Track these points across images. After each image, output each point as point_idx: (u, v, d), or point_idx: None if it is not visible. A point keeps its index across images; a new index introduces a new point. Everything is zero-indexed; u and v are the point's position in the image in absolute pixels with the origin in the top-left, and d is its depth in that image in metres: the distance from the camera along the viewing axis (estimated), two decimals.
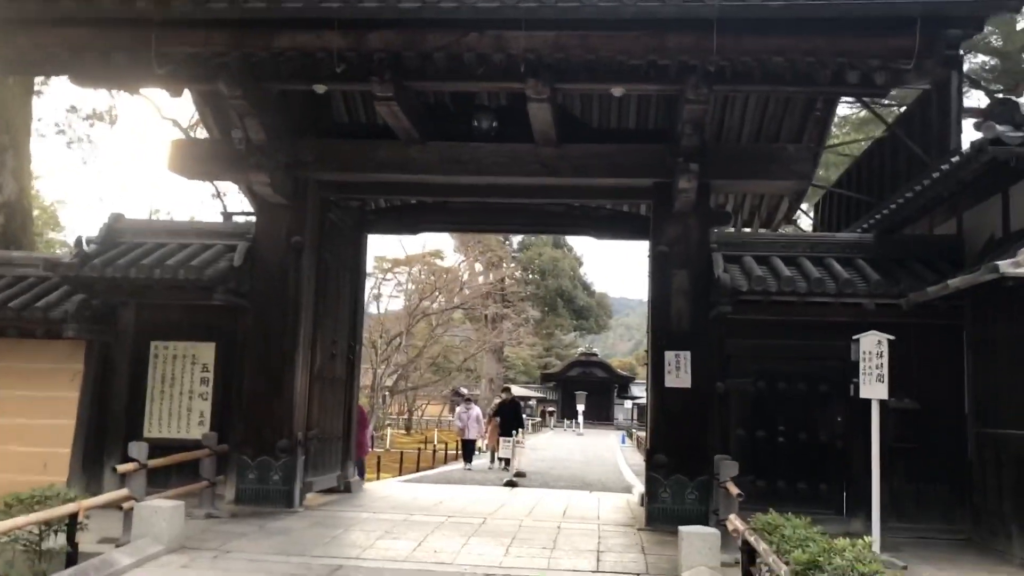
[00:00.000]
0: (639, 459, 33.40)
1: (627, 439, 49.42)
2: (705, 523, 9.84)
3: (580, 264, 71.86)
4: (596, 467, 25.18)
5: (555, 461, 26.19)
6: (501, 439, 19.16)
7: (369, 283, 43.01)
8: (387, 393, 41.87)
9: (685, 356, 10.34)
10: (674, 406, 10.32)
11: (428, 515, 10.67)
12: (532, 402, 70.26)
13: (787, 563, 5.33)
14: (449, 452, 27.76)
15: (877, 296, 9.65)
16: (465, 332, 54.11)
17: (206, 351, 11.17)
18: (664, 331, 10.47)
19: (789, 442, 10.42)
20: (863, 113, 21.01)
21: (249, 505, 10.47)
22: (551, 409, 66.34)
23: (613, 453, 35.12)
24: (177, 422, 11.11)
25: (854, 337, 8.67)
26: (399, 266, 43.91)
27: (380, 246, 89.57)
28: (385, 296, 44.23)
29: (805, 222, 19.80)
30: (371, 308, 44.30)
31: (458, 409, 22.75)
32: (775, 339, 10.49)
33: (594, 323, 70.43)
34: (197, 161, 11.03)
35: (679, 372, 10.33)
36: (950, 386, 10.17)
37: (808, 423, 10.46)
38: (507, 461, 18.97)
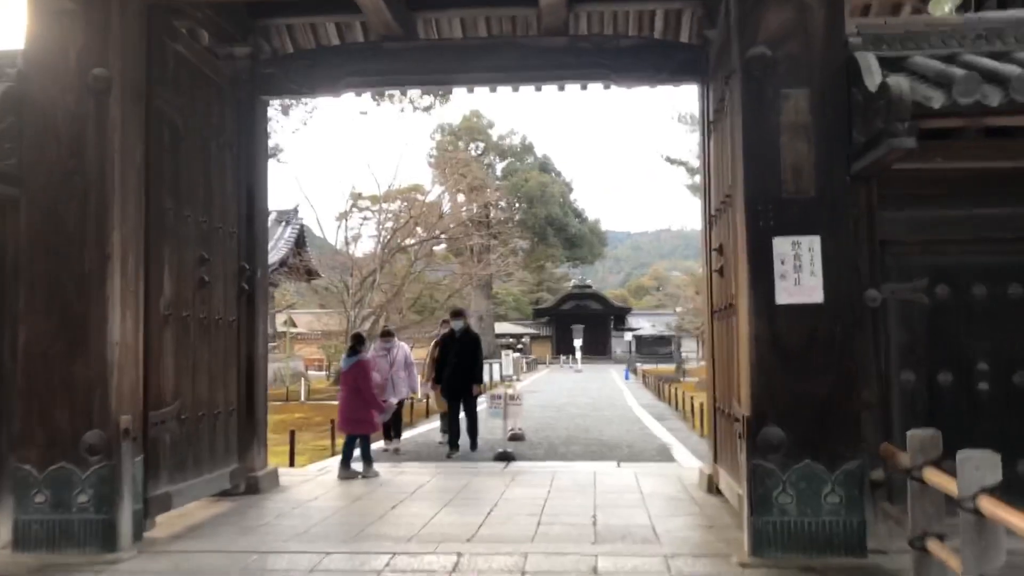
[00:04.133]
0: (649, 398, 29.02)
1: (631, 374, 45.22)
2: (862, 549, 5.39)
3: (570, 190, 67.05)
4: (609, 414, 20.72)
5: (558, 409, 21.73)
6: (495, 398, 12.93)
7: (343, 224, 38.10)
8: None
9: (811, 245, 5.65)
10: (795, 337, 5.65)
11: (358, 548, 6.05)
12: (525, 339, 66.09)
13: None
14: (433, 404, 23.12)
15: None
16: (450, 268, 49.41)
17: None
18: (769, 201, 5.74)
19: (997, 391, 5.83)
20: None
21: (36, 552, 5.85)
22: (520, 346, 61.06)
23: (621, 393, 30.75)
24: None
25: None
26: (376, 203, 39.24)
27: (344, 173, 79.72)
28: (365, 236, 39.49)
29: None
30: (349, 249, 39.67)
31: (373, 348, 12.78)
32: (966, 207, 5.82)
33: (588, 252, 65.81)
34: None
35: (801, 274, 5.65)
36: None
37: None
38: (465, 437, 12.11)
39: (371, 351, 12.21)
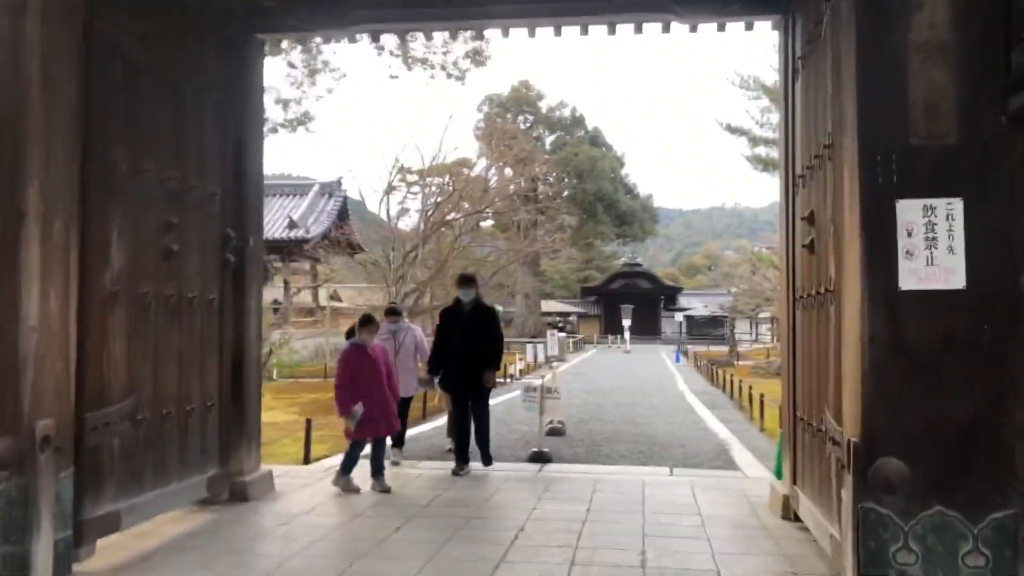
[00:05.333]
0: (702, 383, 27.30)
1: (682, 357, 43.47)
2: None
3: (621, 165, 65.04)
4: (659, 401, 19.23)
5: (604, 395, 20.28)
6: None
7: (386, 198, 36.71)
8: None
9: (951, 212, 4.11)
10: (925, 337, 4.13)
11: None
12: (573, 318, 64.64)
13: None
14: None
15: None
16: (495, 244, 48.05)
17: None
18: (891, 151, 4.20)
19: None
20: None
21: None
22: (562, 324, 58.52)
23: (672, 377, 29.19)
24: None
25: None
26: (422, 177, 37.97)
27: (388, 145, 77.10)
28: (411, 211, 38.10)
29: None
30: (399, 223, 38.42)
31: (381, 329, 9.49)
32: None
33: (639, 229, 63.86)
34: None
35: (935, 251, 4.11)
36: None
37: None
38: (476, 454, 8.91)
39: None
